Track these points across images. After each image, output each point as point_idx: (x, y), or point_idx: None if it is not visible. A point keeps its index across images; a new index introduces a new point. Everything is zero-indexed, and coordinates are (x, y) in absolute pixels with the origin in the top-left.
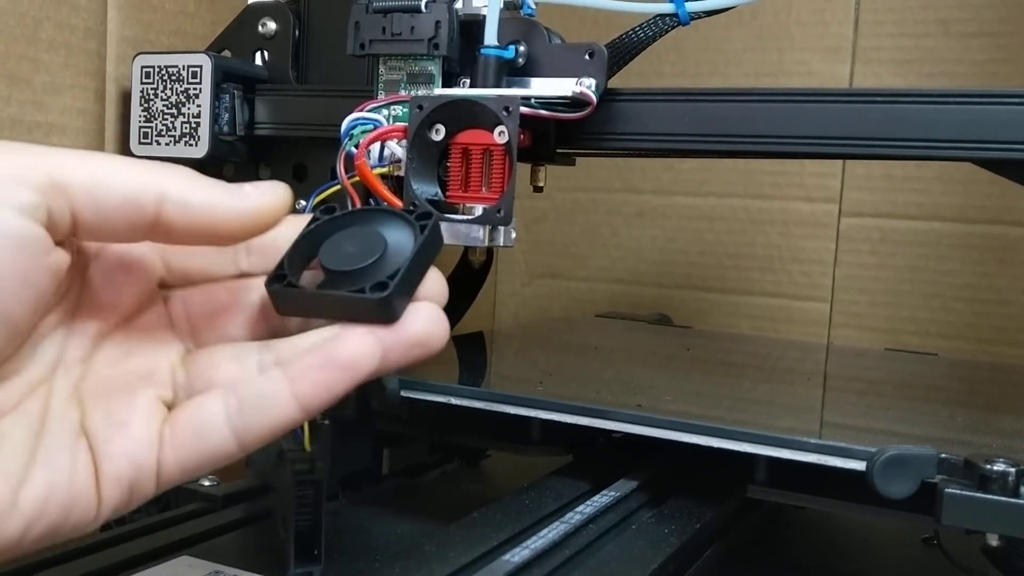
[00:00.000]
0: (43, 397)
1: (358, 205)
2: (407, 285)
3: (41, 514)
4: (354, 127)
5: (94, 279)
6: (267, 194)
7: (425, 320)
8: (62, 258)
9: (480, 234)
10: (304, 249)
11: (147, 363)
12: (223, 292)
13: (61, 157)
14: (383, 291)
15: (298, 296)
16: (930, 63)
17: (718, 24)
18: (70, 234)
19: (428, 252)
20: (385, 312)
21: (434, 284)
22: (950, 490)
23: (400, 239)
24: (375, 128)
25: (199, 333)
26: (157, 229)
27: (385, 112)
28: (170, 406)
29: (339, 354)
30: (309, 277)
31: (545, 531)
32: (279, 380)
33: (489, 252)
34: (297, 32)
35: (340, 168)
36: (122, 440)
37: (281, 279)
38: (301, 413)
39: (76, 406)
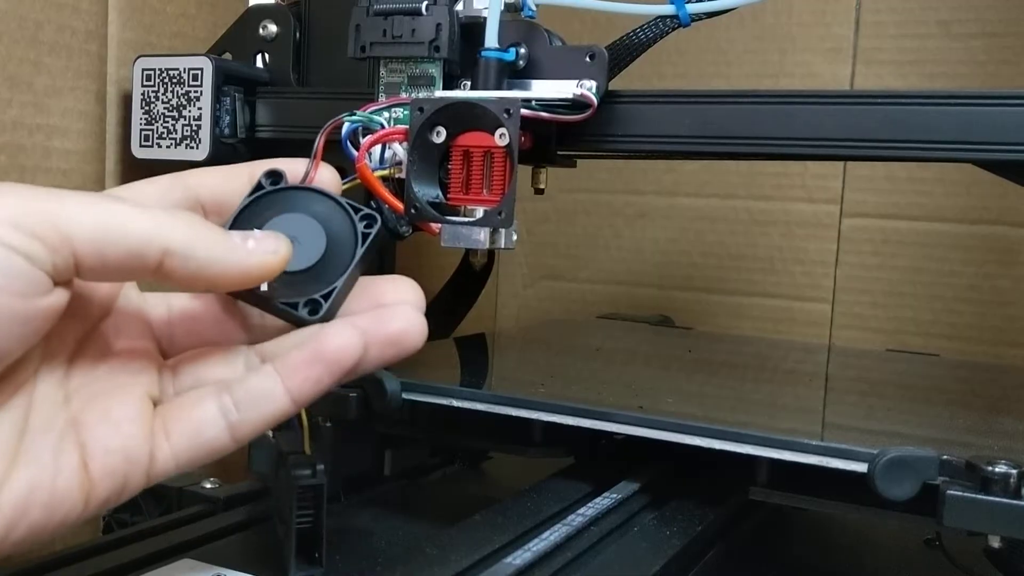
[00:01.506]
0: (26, 397)
1: (317, 166)
2: (338, 302)
3: (23, 514)
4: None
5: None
6: (268, 250)
7: (403, 321)
8: (60, 297)
9: (481, 236)
10: (246, 219)
11: (133, 363)
12: (201, 302)
13: (67, 204)
14: (315, 314)
15: None
16: (931, 64)
17: (719, 26)
18: (72, 277)
19: (367, 256)
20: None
21: (410, 290)
22: (952, 492)
23: (341, 239)
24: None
25: (177, 338)
26: (156, 277)
27: (386, 115)
28: (156, 402)
29: (325, 348)
30: None
31: (547, 533)
32: (271, 376)
33: (490, 254)
34: (298, 34)
35: (320, 141)
36: (116, 437)
37: None
38: (293, 406)
39: (63, 406)
